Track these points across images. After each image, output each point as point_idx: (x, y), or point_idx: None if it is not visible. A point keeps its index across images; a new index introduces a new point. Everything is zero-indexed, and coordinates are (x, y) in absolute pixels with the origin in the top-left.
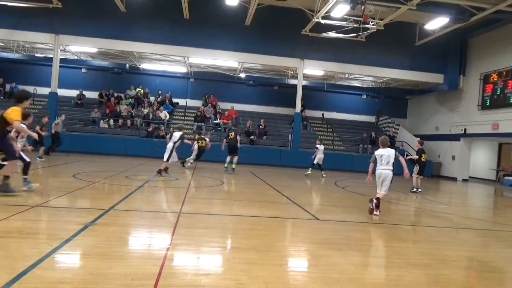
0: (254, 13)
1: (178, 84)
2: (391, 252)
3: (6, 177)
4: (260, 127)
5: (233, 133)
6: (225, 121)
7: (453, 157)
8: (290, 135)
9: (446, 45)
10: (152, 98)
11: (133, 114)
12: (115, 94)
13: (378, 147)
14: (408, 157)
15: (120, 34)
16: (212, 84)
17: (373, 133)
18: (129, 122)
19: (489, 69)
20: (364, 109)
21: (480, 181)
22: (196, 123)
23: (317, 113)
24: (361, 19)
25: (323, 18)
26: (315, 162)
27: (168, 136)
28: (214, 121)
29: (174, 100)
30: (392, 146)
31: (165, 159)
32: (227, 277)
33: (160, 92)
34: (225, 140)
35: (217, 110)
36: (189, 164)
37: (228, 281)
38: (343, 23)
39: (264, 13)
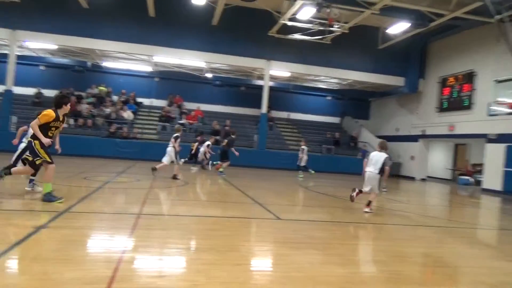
0: (221, 13)
1: (142, 83)
2: (349, 250)
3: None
4: (226, 127)
5: (227, 141)
6: (190, 121)
7: (412, 157)
8: (256, 136)
9: (407, 49)
10: (115, 97)
11: (94, 114)
12: (76, 93)
13: (341, 148)
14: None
15: (82, 31)
16: (178, 84)
17: (337, 134)
18: (90, 121)
19: (446, 73)
20: (329, 110)
21: (437, 180)
22: (160, 123)
23: (283, 114)
24: (326, 22)
25: (289, 20)
26: (301, 164)
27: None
28: (179, 121)
29: (139, 99)
30: (355, 146)
31: (166, 162)
32: (183, 279)
33: (124, 91)
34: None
35: (183, 110)
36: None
37: (184, 282)
38: (309, 26)
39: (231, 14)
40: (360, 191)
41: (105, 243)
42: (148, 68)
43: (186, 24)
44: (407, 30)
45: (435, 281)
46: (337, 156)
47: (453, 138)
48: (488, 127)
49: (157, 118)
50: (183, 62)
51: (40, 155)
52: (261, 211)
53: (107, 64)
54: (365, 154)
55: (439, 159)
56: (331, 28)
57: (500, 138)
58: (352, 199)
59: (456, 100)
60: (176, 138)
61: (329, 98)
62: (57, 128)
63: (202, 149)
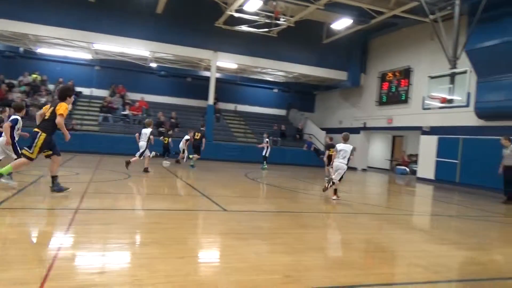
0: (166, 1)
1: (82, 72)
2: (294, 239)
3: (55, 177)
4: (172, 120)
5: (199, 134)
6: (134, 112)
7: (354, 149)
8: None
9: (349, 44)
10: (51, 86)
11: (28, 103)
12: (6, 81)
13: (287, 140)
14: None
15: (13, 14)
16: (121, 73)
17: (283, 126)
18: (23, 111)
19: (385, 68)
20: (276, 103)
21: (376, 170)
22: (102, 115)
23: (230, 106)
24: (273, 14)
25: (236, 11)
26: (265, 154)
27: (137, 134)
28: (122, 112)
29: (78, 89)
30: (300, 138)
31: (137, 155)
32: (124, 274)
33: (61, 79)
34: (189, 138)
35: (126, 101)
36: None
37: (124, 277)
38: (256, 18)
39: (176, 2)
40: (333, 182)
41: (39, 239)
42: (88, 56)
43: (129, 11)
44: (350, 26)
45: (374, 266)
46: (283, 148)
47: (391, 130)
48: (422, 120)
49: (97, 109)
50: (126, 51)
51: (33, 149)
52: (208, 203)
53: (42, 50)
54: (310, 145)
55: (378, 150)
56: (278, 21)
57: (433, 130)
58: (325, 189)
59: (394, 94)
60: (151, 133)
61: (275, 90)
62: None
63: (181, 145)
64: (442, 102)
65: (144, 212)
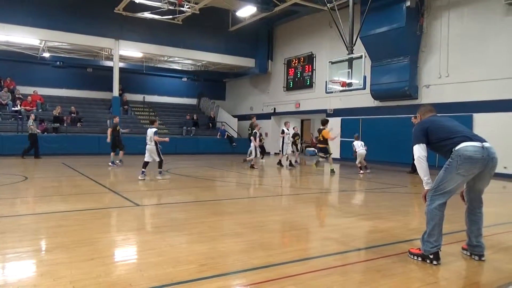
0: None
1: None
2: (209, 227)
3: None
4: (73, 114)
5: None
6: (27, 107)
7: (266, 134)
8: (109, 121)
9: (256, 31)
10: None
11: None
12: None
13: (201, 129)
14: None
15: None
16: (8, 65)
17: (195, 116)
18: None
19: (291, 55)
20: (186, 92)
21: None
22: None
23: (138, 97)
24: (176, 1)
25: None
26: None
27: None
28: (13, 108)
29: None
30: (213, 127)
31: (149, 159)
32: (24, 285)
33: None
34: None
35: (16, 96)
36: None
37: None
38: (159, 4)
39: None
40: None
41: None
42: None
43: None
44: (255, 13)
45: (288, 244)
46: (197, 137)
47: (300, 114)
48: (327, 103)
49: None
50: (11, 39)
51: None
52: (118, 199)
53: None
54: (224, 133)
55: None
56: (182, 8)
57: (336, 113)
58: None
59: (300, 80)
60: (155, 133)
61: (184, 79)
62: None
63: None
64: (342, 86)
65: (45, 215)
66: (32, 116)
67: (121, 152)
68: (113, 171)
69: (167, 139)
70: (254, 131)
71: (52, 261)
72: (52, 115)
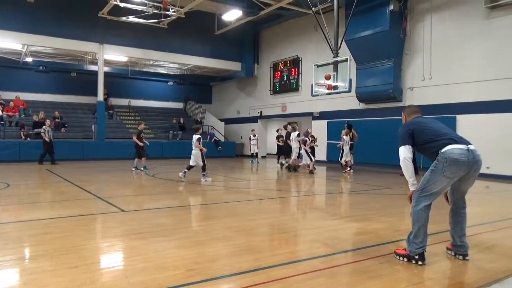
0: None
1: None
2: (196, 232)
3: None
4: (56, 120)
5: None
6: (10, 113)
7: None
8: (94, 126)
9: (242, 35)
10: None
11: None
12: None
13: (187, 133)
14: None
15: None
16: None
17: (182, 119)
18: None
19: (277, 58)
20: (172, 96)
21: (275, 156)
22: None
23: (124, 101)
24: (161, 5)
25: (121, 1)
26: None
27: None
28: None
29: None
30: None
31: (194, 164)
32: None
33: None
34: None
35: None
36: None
37: None
38: (143, 8)
39: None
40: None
41: None
42: None
43: None
44: (240, 17)
45: (276, 247)
46: (184, 141)
47: (286, 117)
48: (313, 106)
49: None
50: None
51: None
52: (103, 205)
53: None
54: (213, 137)
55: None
56: (167, 12)
57: (323, 115)
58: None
59: (286, 83)
60: (199, 140)
61: (170, 83)
62: None
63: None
64: (328, 89)
65: (28, 223)
66: (48, 122)
67: (143, 159)
68: (97, 176)
69: (204, 149)
70: (304, 138)
71: (37, 269)
72: (32, 121)
